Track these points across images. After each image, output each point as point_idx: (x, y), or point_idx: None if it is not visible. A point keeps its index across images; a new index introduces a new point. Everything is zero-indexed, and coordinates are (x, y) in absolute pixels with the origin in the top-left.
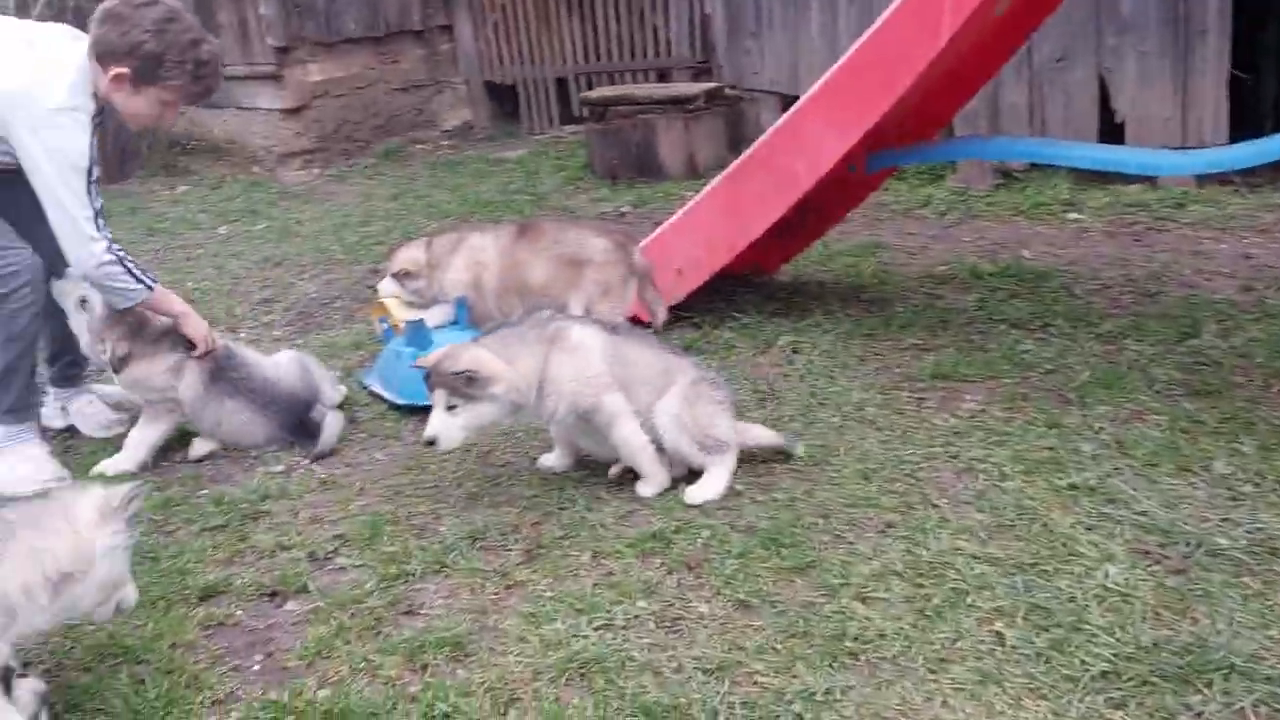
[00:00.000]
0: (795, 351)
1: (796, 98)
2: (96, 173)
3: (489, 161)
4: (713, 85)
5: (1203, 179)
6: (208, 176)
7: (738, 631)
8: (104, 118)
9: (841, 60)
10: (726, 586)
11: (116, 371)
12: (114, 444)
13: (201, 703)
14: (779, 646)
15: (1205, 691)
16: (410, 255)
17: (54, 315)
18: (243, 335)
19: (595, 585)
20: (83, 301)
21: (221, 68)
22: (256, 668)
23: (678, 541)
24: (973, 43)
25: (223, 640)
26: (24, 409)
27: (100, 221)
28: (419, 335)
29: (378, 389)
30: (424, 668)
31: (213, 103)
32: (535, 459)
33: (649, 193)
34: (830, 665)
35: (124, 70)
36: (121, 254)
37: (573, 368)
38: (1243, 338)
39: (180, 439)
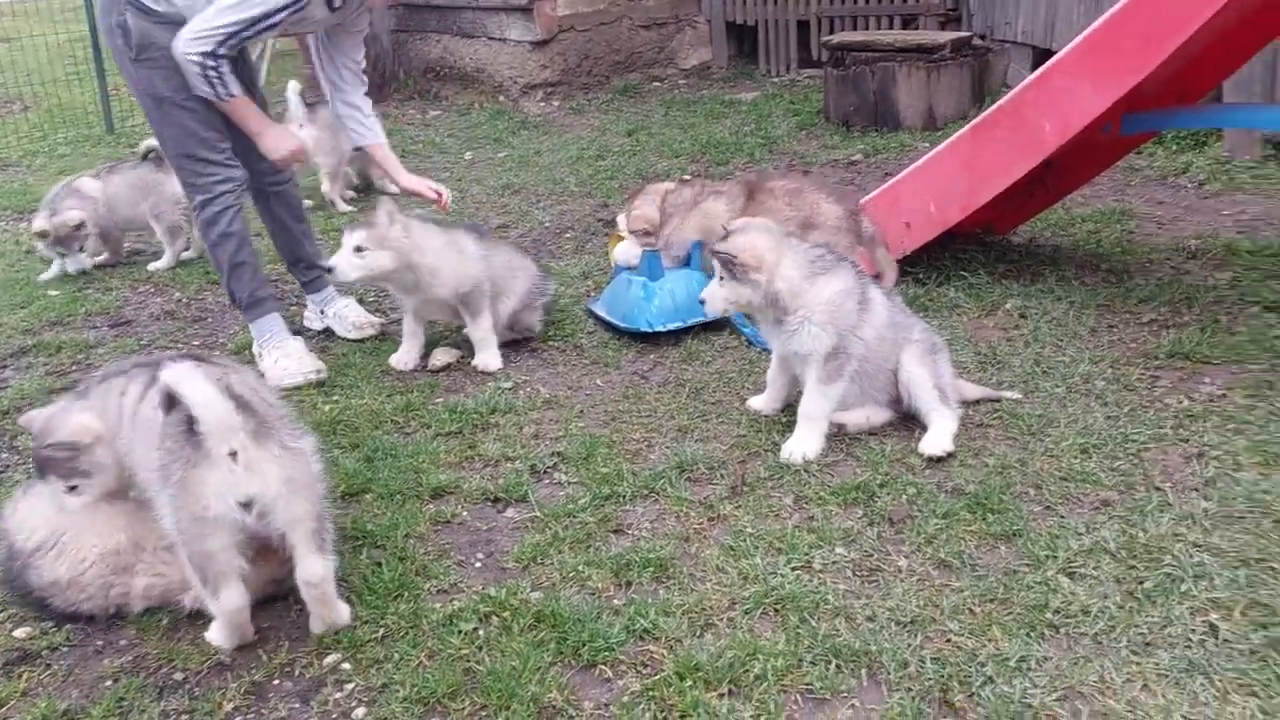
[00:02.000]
0: (1023, 316)
1: (1050, 51)
2: (264, 37)
3: (723, 103)
4: (961, 34)
5: None
6: (457, 103)
7: (934, 589)
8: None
9: (1106, 14)
10: (928, 544)
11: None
12: (365, 345)
13: (429, 590)
14: (975, 609)
15: None
16: (648, 214)
17: (278, 223)
18: None
19: (795, 527)
20: (358, 250)
21: None
22: (478, 565)
23: (882, 495)
24: (1253, 2)
25: (449, 536)
26: (258, 303)
27: (218, 45)
28: (653, 266)
29: (603, 314)
30: (628, 584)
31: (465, 31)
32: (745, 400)
33: (881, 143)
34: (1027, 634)
35: None
36: (214, 72)
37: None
38: None
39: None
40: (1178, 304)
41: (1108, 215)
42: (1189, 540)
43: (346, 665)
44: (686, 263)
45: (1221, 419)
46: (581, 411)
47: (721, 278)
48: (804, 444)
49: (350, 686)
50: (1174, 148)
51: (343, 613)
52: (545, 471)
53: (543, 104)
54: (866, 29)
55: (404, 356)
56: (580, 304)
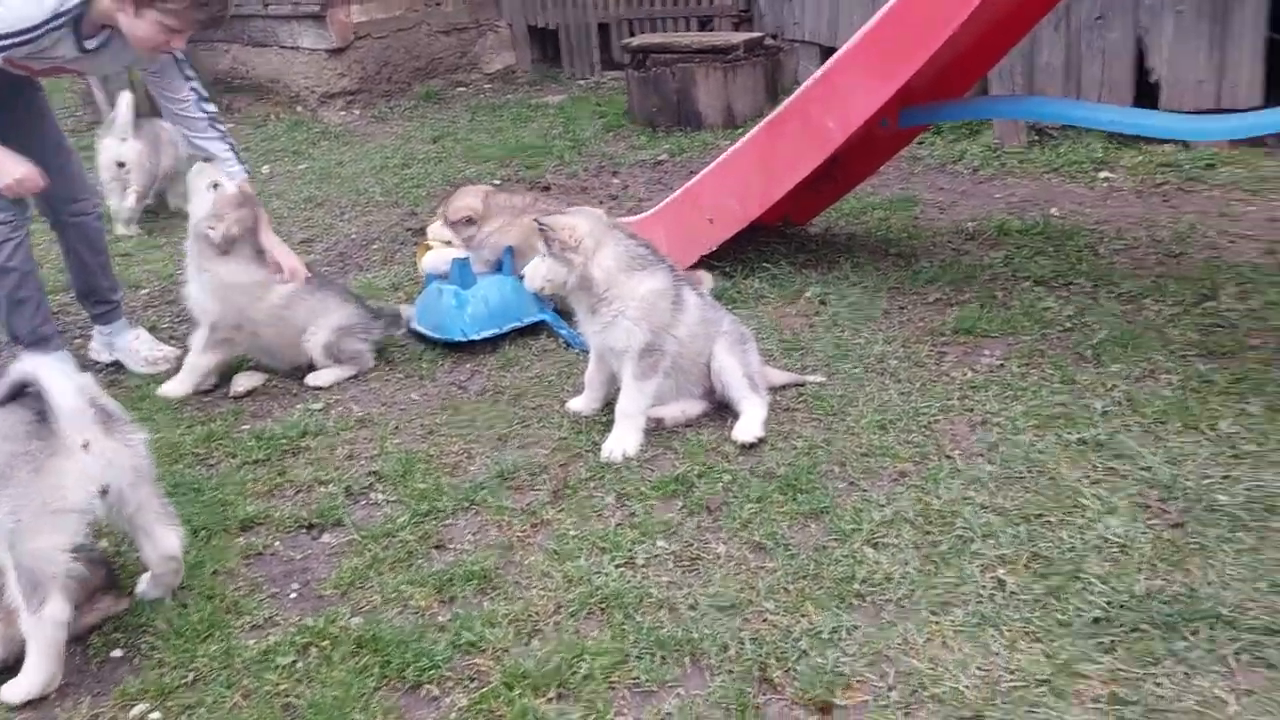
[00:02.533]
0: (823, 303)
1: (835, 49)
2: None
3: (530, 106)
4: (753, 35)
5: (1235, 141)
6: (251, 116)
7: (751, 572)
8: (105, 40)
9: (877, 15)
10: (743, 529)
11: (223, 253)
12: (158, 380)
13: (241, 626)
14: (790, 587)
15: (1190, 639)
16: (471, 204)
17: (74, 254)
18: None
19: (618, 525)
20: (214, 185)
21: None
22: (293, 595)
23: (699, 485)
24: (1007, 2)
25: (261, 569)
26: (42, 341)
27: None
28: (464, 273)
29: (415, 326)
30: (452, 599)
31: (256, 40)
32: (565, 402)
33: (686, 142)
34: (837, 606)
35: None
36: None
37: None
38: (1260, 300)
39: (223, 375)
40: (959, 283)
41: (895, 202)
42: (977, 502)
43: (155, 715)
44: (498, 269)
45: (1001, 387)
46: (397, 428)
47: (542, 254)
48: (623, 441)
49: None
50: (950, 137)
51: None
52: (361, 493)
53: (343, 113)
54: (665, 31)
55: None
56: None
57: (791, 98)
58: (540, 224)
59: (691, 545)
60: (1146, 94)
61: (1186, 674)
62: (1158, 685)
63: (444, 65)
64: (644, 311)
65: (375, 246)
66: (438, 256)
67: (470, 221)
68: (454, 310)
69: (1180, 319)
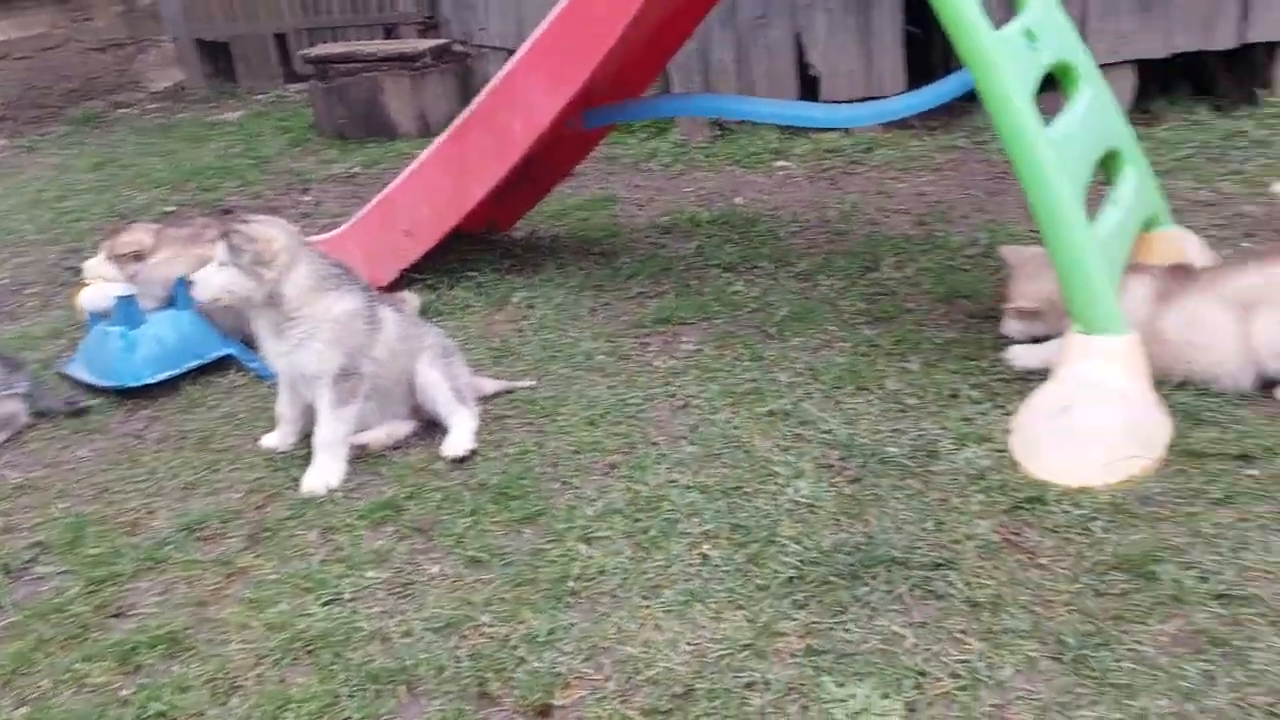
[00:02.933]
0: (530, 307)
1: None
2: None
3: (205, 124)
4: (440, 42)
5: (888, 125)
6: None
7: (467, 588)
8: None
9: (547, 19)
10: (458, 545)
11: None
12: None
13: None
14: (506, 596)
15: (871, 583)
16: (140, 239)
17: None
18: None
19: (323, 561)
20: None
21: None
22: None
23: (409, 507)
24: (671, 3)
25: None
26: None
27: None
28: (129, 312)
29: (83, 376)
30: (137, 669)
31: None
32: (258, 440)
33: (380, 152)
34: (554, 607)
35: None
36: None
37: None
38: (914, 268)
39: None
40: (658, 275)
41: (595, 203)
42: (682, 483)
43: None
44: (171, 304)
45: (699, 371)
46: (63, 491)
47: (223, 262)
48: (325, 473)
49: None
50: (642, 136)
51: None
52: (23, 568)
53: None
54: (347, 40)
55: None
56: (51, 368)
57: (473, 104)
58: (232, 231)
59: (404, 570)
60: (810, 87)
61: (869, 616)
62: (846, 631)
63: (101, 85)
64: (338, 334)
65: (31, 290)
66: (96, 293)
67: (138, 257)
68: (123, 353)
69: (849, 291)
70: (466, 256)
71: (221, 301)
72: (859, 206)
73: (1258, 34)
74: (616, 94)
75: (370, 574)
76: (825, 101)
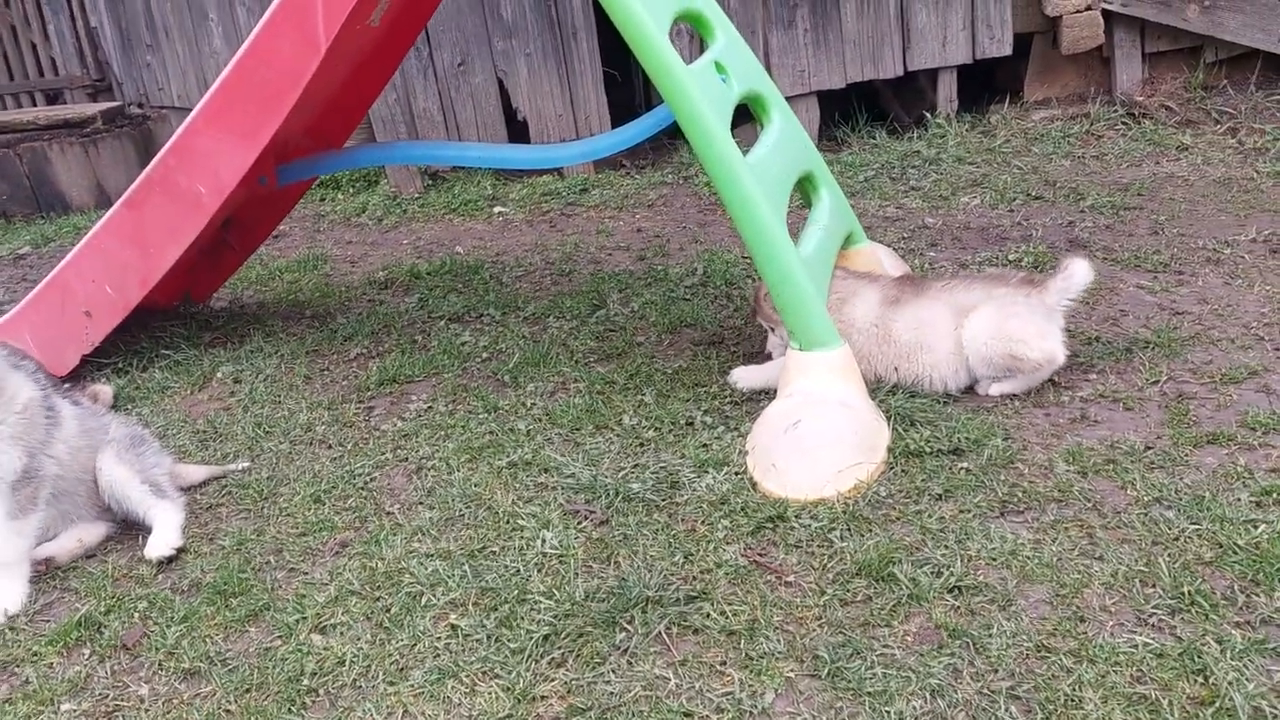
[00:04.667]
0: (237, 382)
1: None
2: None
3: None
4: (113, 104)
5: (599, 165)
6: None
7: (184, 706)
8: None
9: (223, 74)
10: (169, 659)
11: None
12: None
13: None
14: (232, 708)
15: (628, 628)
16: None
17: None
18: None
19: (6, 701)
20: None
21: None
22: None
23: (110, 623)
24: (358, 54)
25: None
26: None
27: None
28: None
29: None
30: None
31: None
32: None
33: (52, 229)
34: (289, 711)
35: None
36: None
37: None
38: (639, 302)
39: None
40: (379, 333)
41: (304, 263)
42: (422, 553)
43: None
44: None
45: (431, 429)
46: None
47: None
48: (2, 599)
49: None
50: (351, 190)
51: None
52: None
53: None
54: (3, 108)
55: None
56: None
57: (147, 169)
58: None
59: (106, 697)
60: (520, 130)
61: (630, 663)
62: (608, 684)
63: None
64: (22, 429)
65: None
66: None
67: None
68: None
69: (579, 330)
70: (159, 334)
71: None
72: (580, 246)
73: (918, 63)
74: (314, 146)
75: (65, 707)
76: (536, 144)
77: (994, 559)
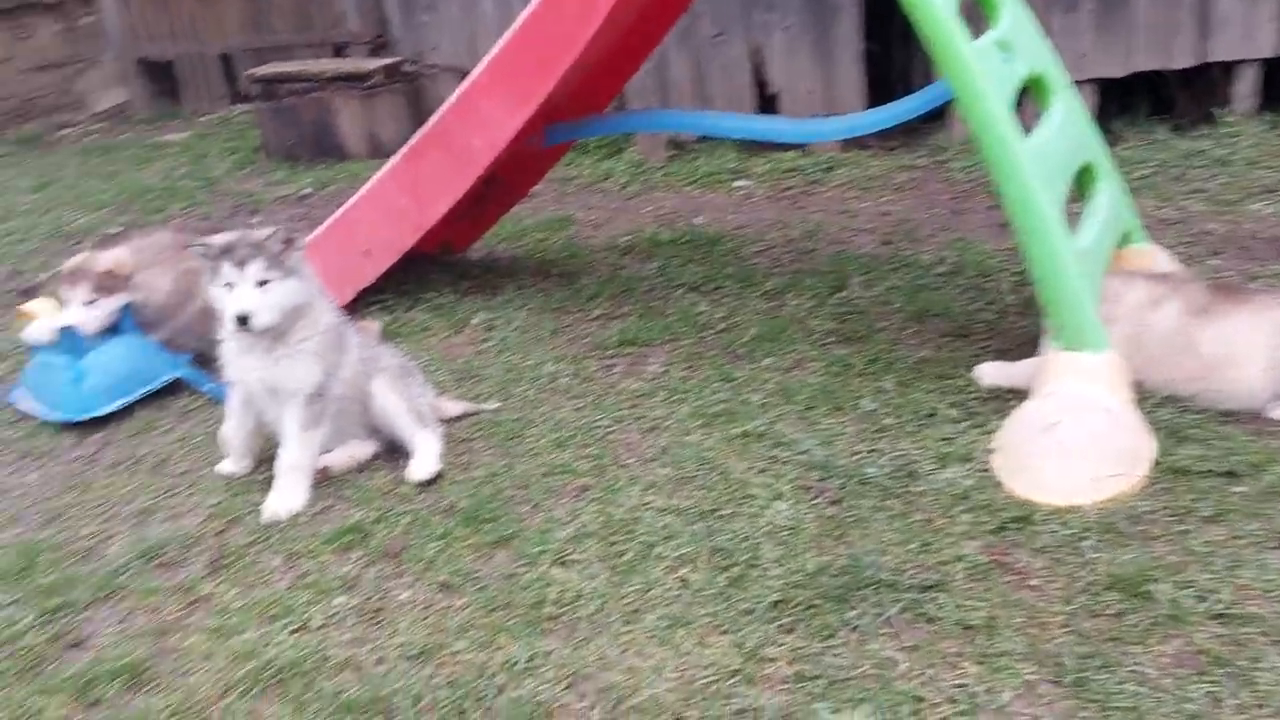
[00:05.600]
0: (490, 329)
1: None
2: None
3: (149, 145)
4: (390, 61)
5: (846, 144)
6: None
7: (440, 614)
8: None
9: (506, 36)
10: (428, 570)
11: None
12: None
13: None
14: (481, 622)
15: (859, 607)
16: (120, 258)
17: None
18: None
19: (289, 588)
20: None
21: None
22: None
23: (377, 532)
24: (631, 19)
25: None
26: None
27: None
28: (73, 343)
29: (29, 406)
30: (96, 702)
31: None
32: (215, 466)
33: (330, 173)
34: (531, 633)
35: None
36: None
37: None
38: (883, 287)
39: None
40: (619, 297)
41: (552, 223)
42: (656, 506)
43: None
44: (115, 331)
45: (667, 392)
46: (14, 517)
47: (263, 281)
48: (287, 498)
49: None
50: (596, 157)
51: None
52: None
53: None
54: (295, 60)
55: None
56: None
57: (429, 123)
58: (276, 237)
59: (373, 597)
60: (769, 105)
61: (860, 640)
62: (836, 656)
63: (41, 106)
64: (324, 347)
65: None
66: (44, 325)
67: (119, 279)
68: (70, 385)
69: (818, 310)
70: (424, 278)
71: (273, 322)
72: (823, 226)
73: (1216, 54)
74: (577, 111)
75: (339, 600)
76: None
77: (1269, 591)
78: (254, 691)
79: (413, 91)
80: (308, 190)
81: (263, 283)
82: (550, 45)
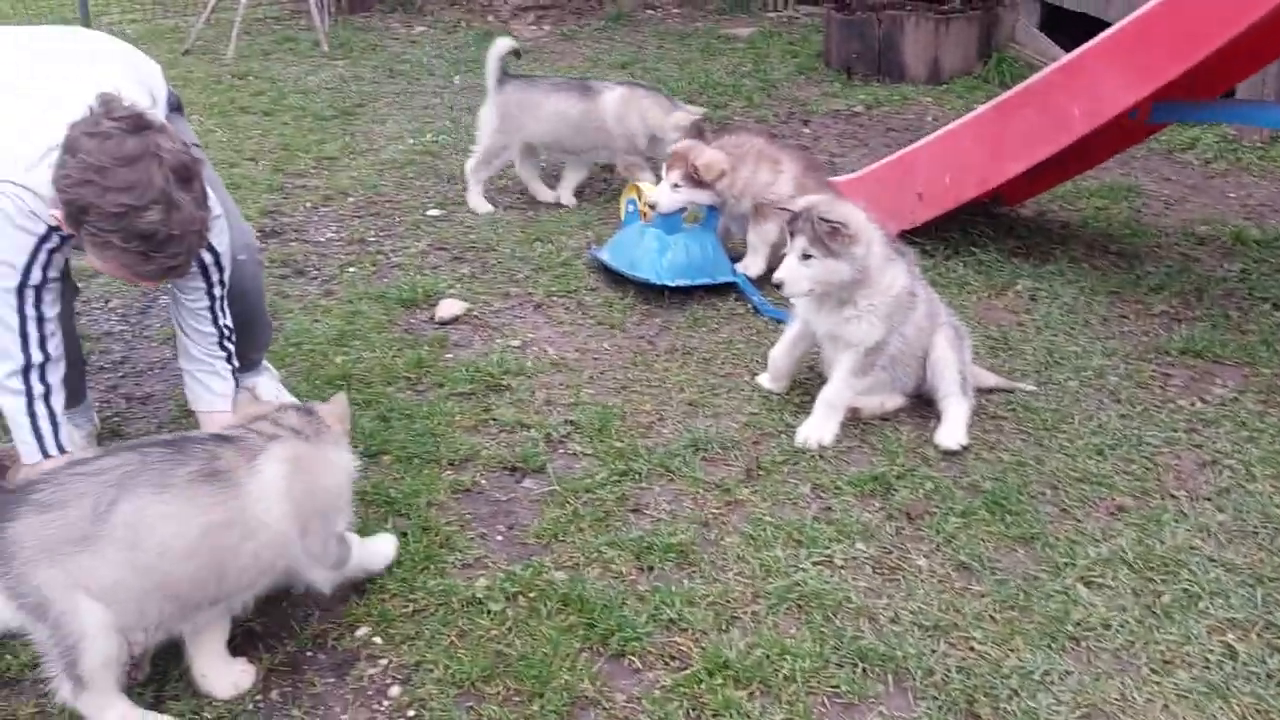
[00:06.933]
0: (1033, 299)
1: (1059, 9)
2: (50, 284)
3: (718, 38)
4: None
5: None
6: (443, 20)
7: (956, 593)
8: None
9: (1141, 11)
10: (947, 544)
11: None
12: (373, 294)
13: (454, 564)
14: (997, 616)
15: None
16: (717, 160)
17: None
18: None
19: (814, 519)
20: None
21: (189, 241)
22: (500, 538)
23: (899, 488)
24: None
25: (470, 506)
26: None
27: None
28: (670, 220)
29: (607, 260)
30: (650, 569)
31: None
32: (754, 374)
33: (884, 94)
34: (1049, 646)
35: (58, 211)
36: (34, 401)
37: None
38: None
39: (426, 298)
40: (1188, 295)
41: (1115, 190)
42: (1204, 554)
43: (378, 639)
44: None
45: (1234, 425)
46: (591, 377)
47: (807, 254)
48: (820, 430)
49: (383, 663)
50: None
51: None
52: (560, 441)
53: (533, 28)
54: None
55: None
56: (581, 257)
57: (1032, 79)
58: (823, 220)
59: (891, 553)
60: None
61: None
62: None
63: None
64: (891, 309)
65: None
66: (666, 190)
67: (719, 176)
68: (653, 253)
69: None
70: (968, 228)
71: (811, 293)
72: None
73: None
74: (1190, 89)
75: (859, 546)
76: None
77: None
78: (780, 609)
79: (988, 22)
80: (859, 107)
81: (807, 256)
82: (1198, 24)
